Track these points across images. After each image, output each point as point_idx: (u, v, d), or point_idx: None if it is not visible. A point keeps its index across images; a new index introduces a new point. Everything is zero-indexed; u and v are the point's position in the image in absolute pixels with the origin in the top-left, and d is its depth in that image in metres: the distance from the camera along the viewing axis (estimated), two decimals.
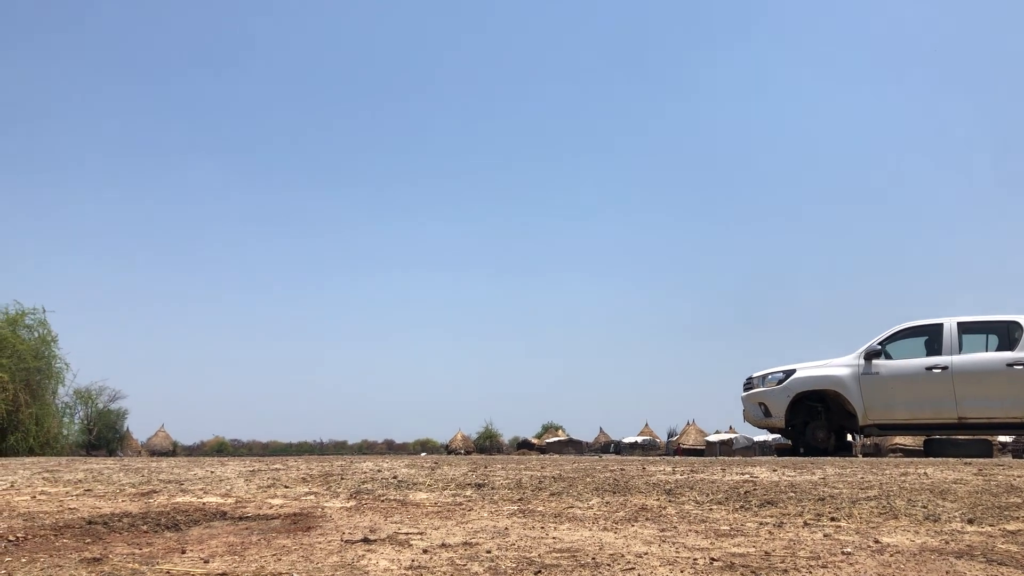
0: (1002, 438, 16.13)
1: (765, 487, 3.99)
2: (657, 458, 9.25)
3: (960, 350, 8.53)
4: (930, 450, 9.41)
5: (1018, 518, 3.08)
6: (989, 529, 2.88)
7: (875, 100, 49.02)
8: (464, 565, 2.27)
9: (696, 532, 2.83)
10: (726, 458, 8.30)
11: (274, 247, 50.86)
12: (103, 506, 3.70)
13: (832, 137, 49.91)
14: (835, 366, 9.00)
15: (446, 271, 51.69)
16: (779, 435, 11.43)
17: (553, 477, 4.64)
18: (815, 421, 9.06)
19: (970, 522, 3.00)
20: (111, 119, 47.11)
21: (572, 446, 26.64)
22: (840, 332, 40.75)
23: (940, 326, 8.72)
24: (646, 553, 2.44)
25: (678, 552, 2.45)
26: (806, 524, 2.99)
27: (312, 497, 3.98)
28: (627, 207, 51.94)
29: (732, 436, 24.78)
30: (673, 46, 52.25)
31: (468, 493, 4.02)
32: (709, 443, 24.86)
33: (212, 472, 5.29)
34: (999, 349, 8.54)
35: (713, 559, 2.34)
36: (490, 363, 46.89)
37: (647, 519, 3.15)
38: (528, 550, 2.50)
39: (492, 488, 4.16)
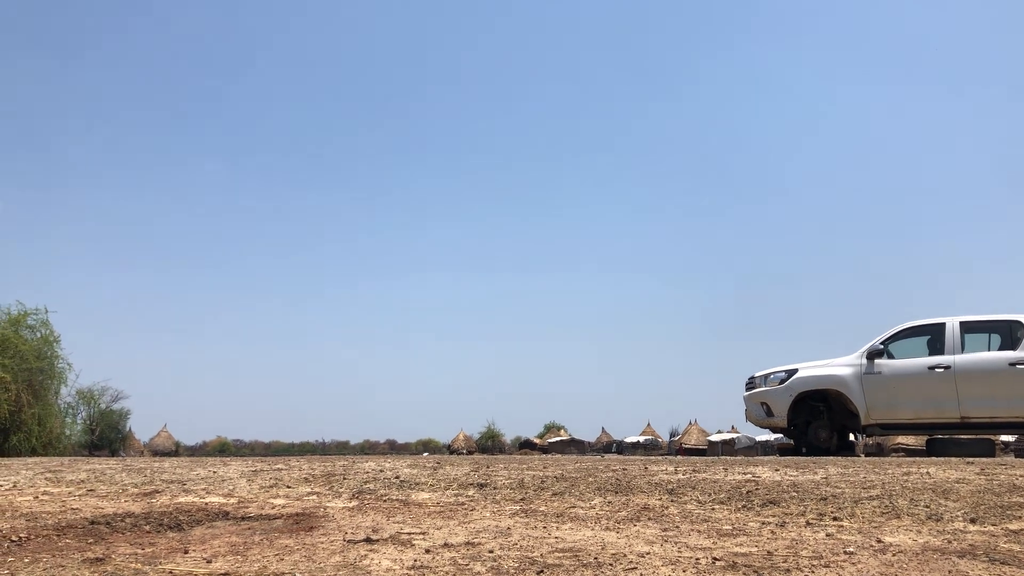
0: (1005, 437, 16.09)
1: (767, 487, 3.99)
2: (659, 458, 9.25)
3: (962, 349, 8.52)
4: (932, 449, 9.40)
5: (1021, 517, 3.07)
6: (992, 528, 2.87)
7: (878, 100, 48.98)
8: (466, 565, 2.27)
9: (698, 532, 2.83)
10: (728, 458, 8.29)
11: (276, 247, 50.95)
12: (106, 506, 3.71)
13: (833, 137, 49.86)
14: (837, 365, 9.00)
15: (447, 271, 51.73)
16: (781, 435, 11.43)
17: (555, 477, 4.65)
18: (817, 421, 9.06)
19: (973, 521, 3.00)
20: (112, 119, 47.21)
21: (574, 446, 26.64)
22: (842, 332, 40.73)
23: (942, 325, 8.71)
24: (648, 553, 2.44)
25: (680, 552, 2.45)
26: (808, 524, 2.99)
27: (314, 497, 3.99)
28: (628, 207, 51.92)
29: (734, 436, 24.76)
30: (673, 46, 52.26)
31: (470, 493, 4.02)
32: (711, 443, 24.84)
33: (214, 472, 5.30)
34: (1001, 348, 8.53)
35: (715, 559, 2.34)
36: (492, 363, 46.93)
37: (649, 519, 3.15)
38: (530, 550, 2.50)
39: (494, 488, 4.17)
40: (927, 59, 47.11)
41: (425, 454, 22.67)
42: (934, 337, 8.78)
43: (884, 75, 48.12)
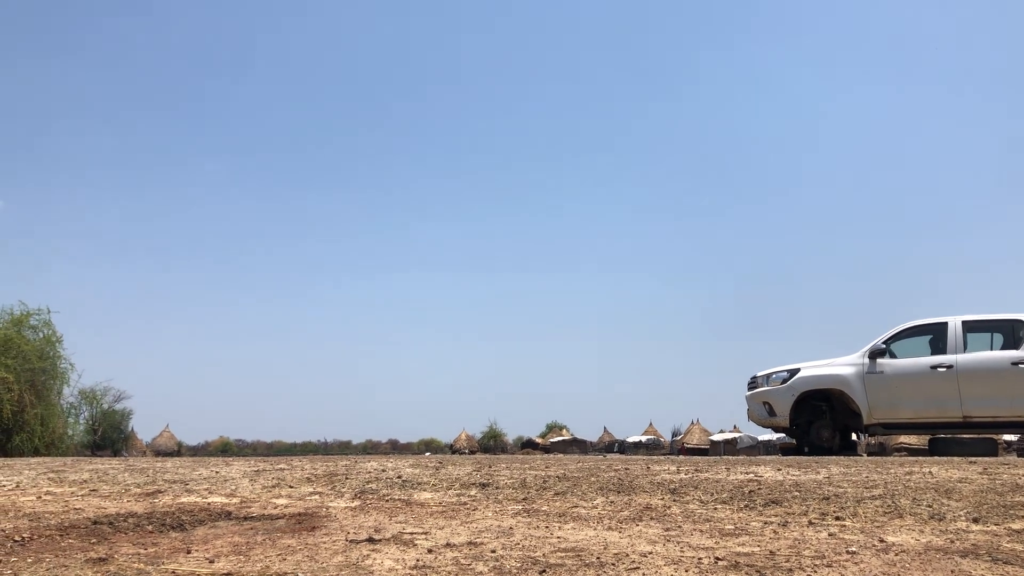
0: (1007, 437, 16.06)
1: (770, 486, 3.99)
2: (661, 457, 9.25)
3: (965, 349, 8.50)
4: (935, 449, 9.40)
5: (1023, 517, 3.07)
6: (994, 528, 2.87)
7: (878, 99, 48.90)
8: (469, 565, 2.27)
9: (701, 531, 2.83)
10: (730, 457, 8.29)
11: (278, 247, 50.93)
12: (108, 506, 3.71)
13: (833, 137, 49.76)
14: (839, 365, 8.98)
15: (448, 270, 51.65)
16: (783, 434, 11.42)
17: (557, 477, 4.65)
18: (819, 420, 9.04)
19: (975, 521, 2.99)
20: (113, 120, 47.24)
21: (576, 445, 26.62)
22: (842, 331, 40.62)
23: (945, 325, 8.69)
24: (651, 552, 2.44)
25: (683, 551, 2.45)
26: (811, 523, 2.98)
27: (317, 497, 3.99)
28: (628, 207, 51.85)
29: (736, 435, 24.73)
30: (673, 46, 52.17)
31: (472, 493, 4.02)
32: (713, 442, 24.82)
33: (217, 472, 5.30)
34: (1004, 348, 8.51)
35: (718, 558, 2.34)
36: (493, 363, 46.89)
37: (651, 518, 3.14)
38: (533, 550, 2.50)
39: (496, 488, 4.17)
40: (927, 59, 47.02)
41: (427, 454, 22.69)
42: (936, 336, 8.76)
43: (884, 75, 48.02)
